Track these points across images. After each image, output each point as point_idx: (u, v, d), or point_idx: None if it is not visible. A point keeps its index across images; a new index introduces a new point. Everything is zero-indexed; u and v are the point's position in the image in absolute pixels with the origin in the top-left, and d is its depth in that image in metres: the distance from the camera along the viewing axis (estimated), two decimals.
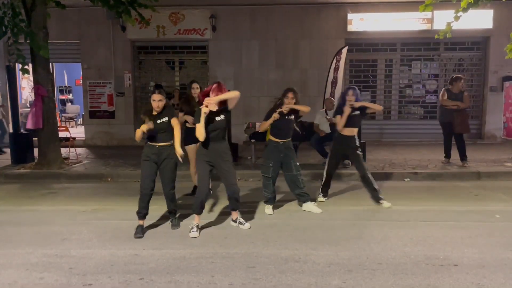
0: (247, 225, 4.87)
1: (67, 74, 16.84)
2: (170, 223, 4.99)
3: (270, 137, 5.43)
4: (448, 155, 8.33)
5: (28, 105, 12.99)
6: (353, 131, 5.77)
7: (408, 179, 7.46)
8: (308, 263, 3.85)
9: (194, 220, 4.74)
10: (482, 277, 3.53)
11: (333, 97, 8.85)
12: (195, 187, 6.16)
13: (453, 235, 4.54)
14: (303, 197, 5.54)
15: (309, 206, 5.51)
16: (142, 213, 4.75)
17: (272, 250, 4.18)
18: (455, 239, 4.44)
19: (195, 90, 6.23)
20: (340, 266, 3.79)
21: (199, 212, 4.71)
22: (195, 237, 4.56)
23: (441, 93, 8.27)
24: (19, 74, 9.75)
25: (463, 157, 8.05)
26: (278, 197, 6.28)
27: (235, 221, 4.95)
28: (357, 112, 5.71)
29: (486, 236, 4.53)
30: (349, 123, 5.71)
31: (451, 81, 8.13)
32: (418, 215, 5.31)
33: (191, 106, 5.99)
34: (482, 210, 5.50)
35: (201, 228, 4.81)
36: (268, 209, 5.49)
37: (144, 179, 4.71)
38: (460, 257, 3.96)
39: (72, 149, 9.47)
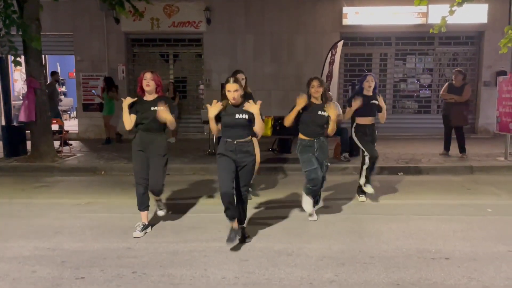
0: (161, 212, 4.86)
1: (60, 67, 16.68)
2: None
3: (300, 135, 4.83)
4: (446, 147, 8.49)
5: (21, 98, 12.88)
6: (369, 120, 5.48)
7: (401, 173, 7.48)
8: (301, 257, 3.87)
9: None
10: (473, 270, 3.56)
11: (329, 91, 8.84)
12: None
13: (445, 229, 4.57)
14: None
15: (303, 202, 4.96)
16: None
17: (265, 244, 4.19)
18: (447, 232, 4.47)
19: (241, 81, 5.81)
20: (332, 259, 3.80)
21: (139, 209, 4.58)
22: (137, 237, 4.38)
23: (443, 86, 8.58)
24: (11, 66, 9.67)
25: (461, 149, 8.31)
26: (273, 192, 6.30)
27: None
28: (375, 101, 5.46)
29: (478, 229, 4.56)
30: (365, 112, 5.43)
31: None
32: (411, 209, 5.34)
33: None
34: (474, 204, 5.54)
35: (193, 221, 4.80)
36: (308, 203, 4.84)
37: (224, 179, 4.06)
38: (451, 250, 3.98)
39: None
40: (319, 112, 4.67)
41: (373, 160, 5.40)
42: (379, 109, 5.51)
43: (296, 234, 4.46)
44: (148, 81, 4.44)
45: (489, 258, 3.82)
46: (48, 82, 10.78)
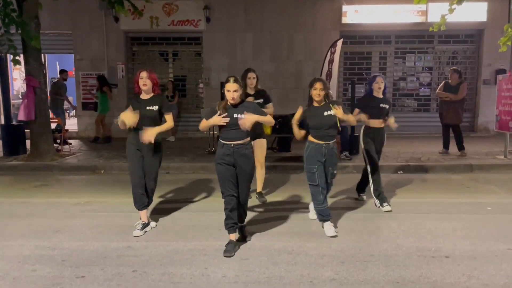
0: (152, 223, 4.68)
1: (59, 65, 16.66)
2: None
3: (309, 138, 4.48)
4: (445, 146, 8.55)
5: (20, 97, 12.87)
6: (378, 123, 5.32)
7: (401, 172, 7.49)
8: (301, 255, 3.87)
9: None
10: (473, 269, 3.56)
11: (329, 90, 8.84)
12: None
13: (445, 227, 4.58)
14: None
15: (326, 227, 4.42)
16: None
17: (265, 242, 4.19)
18: (447, 231, 4.47)
19: (252, 80, 5.51)
20: (332, 257, 3.81)
21: (137, 208, 4.54)
22: (137, 236, 4.37)
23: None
24: (10, 65, 9.67)
25: (459, 147, 8.36)
26: (273, 191, 6.30)
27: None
28: (385, 106, 5.33)
29: (477, 228, 4.56)
30: (375, 115, 5.27)
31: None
32: (411, 207, 5.35)
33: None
34: (474, 202, 5.54)
35: (193, 219, 4.79)
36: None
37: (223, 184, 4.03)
38: (451, 248, 3.99)
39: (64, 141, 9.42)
40: (325, 113, 4.35)
41: (373, 170, 5.31)
42: (387, 113, 5.37)
43: (296, 232, 4.46)
44: (145, 80, 4.43)
45: (489, 256, 3.82)
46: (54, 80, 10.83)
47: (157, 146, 4.52)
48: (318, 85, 4.37)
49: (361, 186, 5.70)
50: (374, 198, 5.36)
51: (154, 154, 4.50)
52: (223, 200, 4.03)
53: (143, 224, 4.52)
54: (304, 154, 4.50)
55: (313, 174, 4.39)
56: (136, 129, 4.42)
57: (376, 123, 5.31)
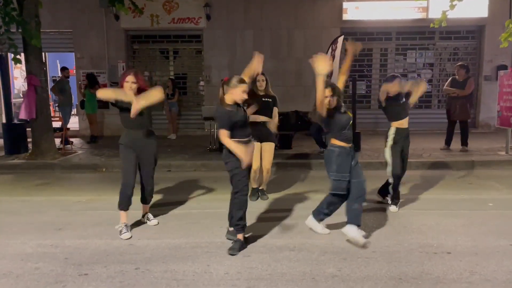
0: (154, 221, 4.71)
1: (60, 64, 16.66)
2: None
3: (336, 142, 4.02)
4: (448, 142, 8.53)
5: (21, 95, 12.88)
6: (407, 122, 4.97)
7: None
8: (303, 252, 3.87)
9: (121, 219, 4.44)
10: (475, 265, 3.56)
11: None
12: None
13: (447, 223, 4.58)
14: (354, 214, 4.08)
15: (348, 230, 4.07)
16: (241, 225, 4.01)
17: (267, 239, 4.19)
18: (449, 227, 4.48)
19: (261, 82, 5.52)
20: (334, 254, 3.81)
21: (123, 208, 4.43)
22: (127, 238, 4.28)
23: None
24: (11, 63, 9.67)
25: (463, 143, 8.39)
26: (274, 188, 6.30)
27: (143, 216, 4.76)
28: (404, 100, 4.92)
29: (479, 224, 4.57)
30: (402, 115, 4.94)
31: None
32: (412, 204, 5.35)
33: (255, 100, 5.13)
34: (476, 199, 5.54)
35: (195, 217, 4.80)
36: (322, 228, 4.38)
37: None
38: (453, 245, 3.99)
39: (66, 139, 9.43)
40: (342, 110, 4.00)
41: (395, 176, 5.01)
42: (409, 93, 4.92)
43: (297, 230, 4.46)
44: (131, 85, 4.29)
45: (491, 252, 3.82)
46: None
47: (155, 145, 4.53)
48: (327, 92, 3.95)
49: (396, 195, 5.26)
50: (391, 193, 5.15)
51: (150, 151, 4.50)
52: (238, 200, 3.90)
53: (125, 225, 4.40)
54: (334, 160, 3.99)
55: (343, 183, 4.01)
56: (130, 128, 4.40)
57: (406, 122, 4.96)
